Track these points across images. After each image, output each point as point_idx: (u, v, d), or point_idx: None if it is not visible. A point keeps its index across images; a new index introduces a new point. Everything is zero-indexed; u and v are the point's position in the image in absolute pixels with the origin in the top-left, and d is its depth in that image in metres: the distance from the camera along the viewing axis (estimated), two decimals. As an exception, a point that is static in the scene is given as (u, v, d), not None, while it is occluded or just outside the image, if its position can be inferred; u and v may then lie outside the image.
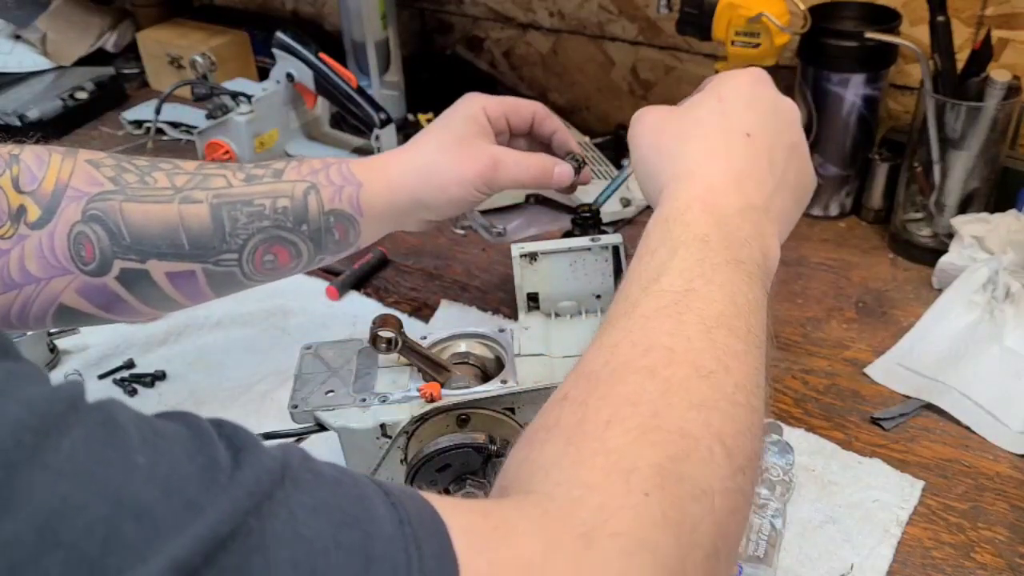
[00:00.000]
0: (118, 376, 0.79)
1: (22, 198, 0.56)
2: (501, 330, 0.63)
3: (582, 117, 1.22)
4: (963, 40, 0.90)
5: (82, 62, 1.37)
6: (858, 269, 0.91)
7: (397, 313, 0.76)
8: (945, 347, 0.76)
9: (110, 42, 1.41)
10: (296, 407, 0.58)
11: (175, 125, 1.24)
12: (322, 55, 1.07)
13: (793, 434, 0.69)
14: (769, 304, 0.47)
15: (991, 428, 0.70)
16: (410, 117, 1.21)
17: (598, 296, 0.67)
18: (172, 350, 0.81)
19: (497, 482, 0.40)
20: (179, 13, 1.43)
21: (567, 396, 0.41)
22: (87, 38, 1.39)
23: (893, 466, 0.67)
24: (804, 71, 0.94)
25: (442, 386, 0.57)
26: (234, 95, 1.09)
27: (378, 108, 1.05)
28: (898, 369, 0.76)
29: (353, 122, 1.09)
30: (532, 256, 0.66)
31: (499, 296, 0.89)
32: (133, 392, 0.77)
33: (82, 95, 1.28)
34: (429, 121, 1.19)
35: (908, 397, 0.74)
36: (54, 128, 1.24)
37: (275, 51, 1.09)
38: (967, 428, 0.71)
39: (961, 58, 0.85)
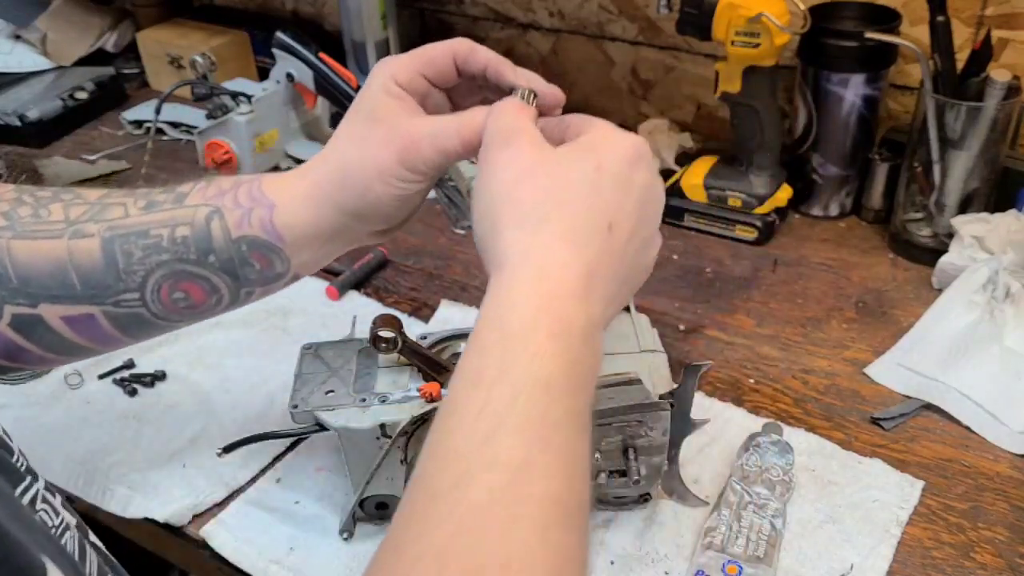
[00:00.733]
0: (118, 376, 0.79)
1: None
2: (501, 330, 0.62)
3: (582, 117, 1.22)
4: (963, 40, 0.90)
5: (82, 62, 1.37)
6: (858, 269, 0.91)
7: (397, 313, 0.76)
8: (945, 347, 0.76)
9: (110, 42, 1.41)
10: (296, 407, 0.58)
11: (175, 125, 1.24)
12: (322, 55, 1.07)
13: (793, 434, 0.69)
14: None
15: (991, 428, 0.70)
16: (410, 117, 1.21)
17: (598, 296, 0.67)
18: (172, 350, 0.81)
19: None
20: (179, 13, 1.42)
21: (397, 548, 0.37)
22: (87, 38, 1.39)
23: (893, 466, 0.67)
24: (804, 71, 0.94)
25: (442, 386, 0.57)
26: (234, 95, 1.09)
27: (378, 108, 1.05)
28: (898, 369, 0.76)
29: (353, 122, 1.09)
30: (532, 256, 0.66)
31: (499, 296, 0.88)
32: (133, 392, 0.77)
33: (82, 95, 1.28)
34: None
35: (908, 397, 0.74)
36: (54, 128, 1.25)
37: (275, 51, 1.09)
38: (967, 428, 0.71)
39: (961, 58, 0.85)
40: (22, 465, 0.45)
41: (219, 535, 0.64)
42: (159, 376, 0.79)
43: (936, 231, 0.89)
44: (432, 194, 1.08)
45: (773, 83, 0.91)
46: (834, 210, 0.99)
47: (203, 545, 0.64)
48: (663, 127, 1.09)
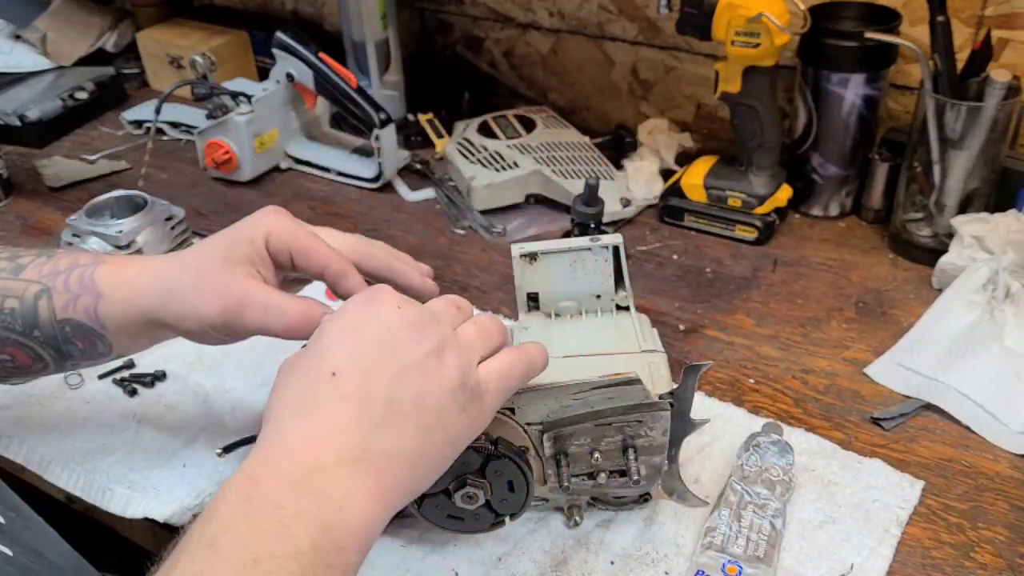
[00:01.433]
0: (118, 376, 0.79)
1: None
2: (501, 330, 0.62)
3: (582, 117, 1.22)
4: (963, 40, 0.90)
5: (82, 62, 1.37)
6: (858, 269, 0.91)
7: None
8: (945, 347, 0.76)
9: (110, 42, 1.41)
10: (296, 407, 0.58)
11: (175, 125, 1.24)
12: (322, 55, 1.07)
13: (793, 434, 0.69)
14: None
15: (991, 428, 0.70)
16: (410, 117, 1.21)
17: (598, 296, 0.67)
18: (172, 350, 0.80)
19: None
20: (179, 13, 1.43)
21: None
22: (87, 38, 1.39)
23: (893, 466, 0.67)
24: (804, 71, 0.94)
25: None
26: (234, 95, 1.09)
27: (378, 108, 1.05)
28: (898, 369, 0.76)
29: (353, 122, 1.09)
30: (532, 256, 0.66)
31: (499, 296, 0.89)
32: (133, 392, 0.77)
33: (82, 95, 1.28)
34: (429, 121, 1.19)
35: (908, 397, 0.74)
36: (54, 128, 1.25)
37: (275, 51, 1.09)
38: (967, 428, 0.71)
39: (961, 58, 0.85)
40: None
41: (219, 535, 0.64)
42: (159, 376, 0.79)
43: (936, 231, 0.89)
44: (432, 194, 1.08)
45: (773, 83, 0.91)
46: (834, 210, 0.99)
47: (203, 545, 0.64)
48: (663, 127, 1.09)
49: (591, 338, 0.64)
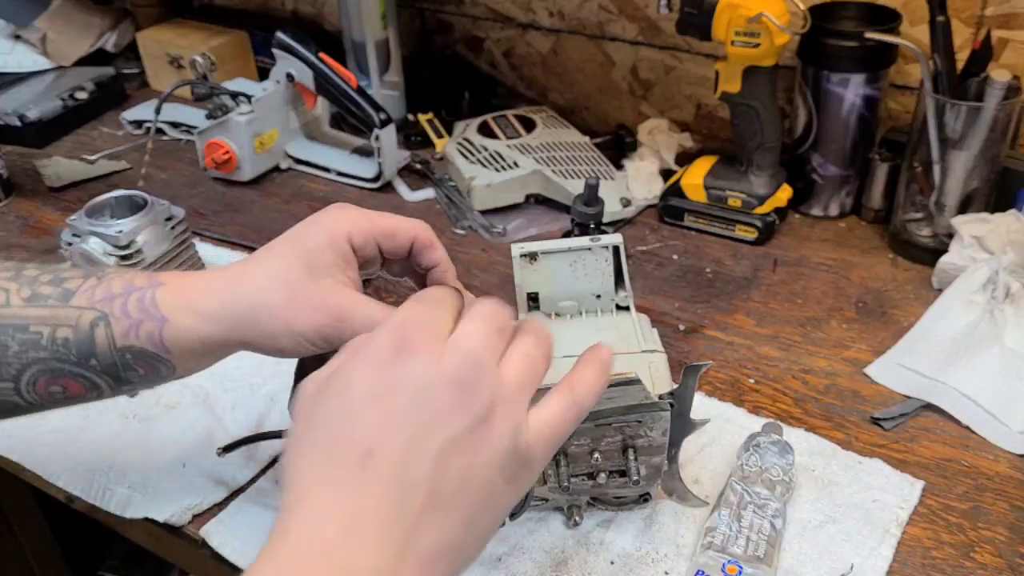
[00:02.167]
0: (118, 376, 0.78)
1: None
2: (501, 330, 0.62)
3: (582, 117, 1.22)
4: (963, 40, 0.90)
5: (82, 62, 1.37)
6: (858, 269, 0.91)
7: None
8: (945, 347, 0.76)
9: (110, 42, 1.41)
10: (296, 407, 0.58)
11: (175, 125, 1.24)
12: (322, 55, 1.07)
13: (793, 434, 0.69)
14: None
15: (991, 428, 0.70)
16: (410, 117, 1.21)
17: (598, 296, 0.67)
18: (172, 350, 0.81)
19: None
20: (179, 13, 1.43)
21: None
22: (87, 38, 1.39)
23: (893, 466, 0.67)
24: (804, 71, 0.94)
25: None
26: (234, 95, 1.09)
27: (378, 108, 1.05)
28: (898, 369, 0.76)
29: (353, 122, 1.09)
30: (532, 256, 0.66)
31: (499, 296, 0.88)
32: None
33: (82, 95, 1.28)
34: (429, 121, 1.19)
35: (908, 397, 0.74)
36: (54, 128, 1.25)
37: (275, 51, 1.09)
38: (967, 428, 0.71)
39: (961, 58, 0.85)
40: None
41: (219, 535, 0.64)
42: (159, 376, 0.78)
43: (936, 231, 0.89)
44: (432, 194, 1.08)
45: (773, 83, 0.91)
46: (834, 210, 0.99)
47: (203, 545, 0.64)
48: (663, 127, 1.09)
49: (591, 338, 0.64)
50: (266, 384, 0.77)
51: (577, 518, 0.63)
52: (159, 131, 1.22)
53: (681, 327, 0.83)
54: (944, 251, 0.85)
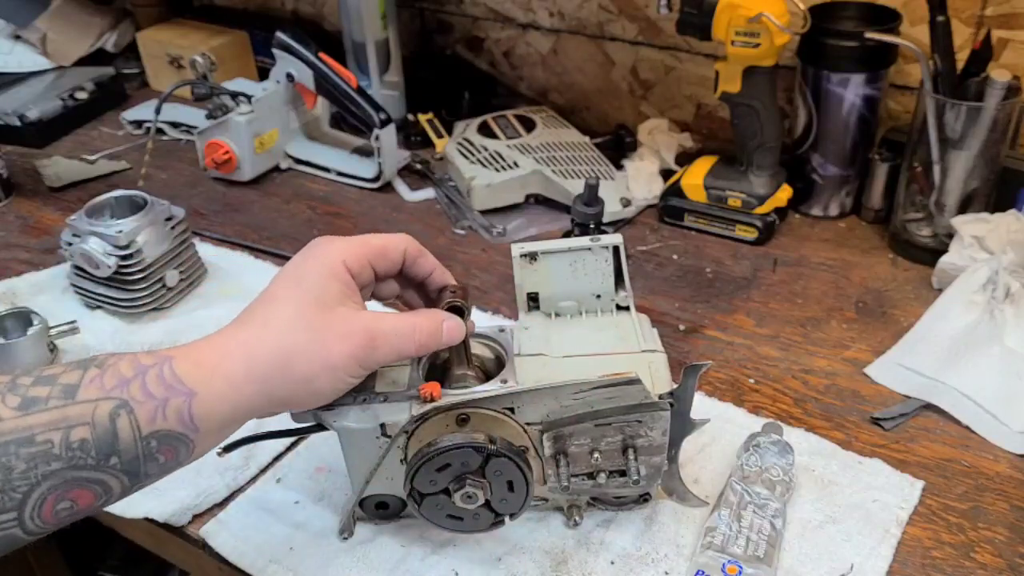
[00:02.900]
0: (118, 376, 0.78)
1: None
2: (501, 330, 0.62)
3: (582, 117, 1.22)
4: (963, 40, 0.90)
5: (82, 62, 1.37)
6: (858, 269, 0.91)
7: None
8: (945, 347, 0.76)
9: (110, 42, 1.41)
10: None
11: (175, 125, 1.24)
12: (322, 55, 1.07)
13: (793, 434, 0.69)
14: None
15: (991, 428, 0.70)
16: (410, 117, 1.21)
17: (598, 296, 0.67)
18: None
19: None
20: (179, 13, 1.43)
21: None
22: (87, 38, 1.39)
23: (893, 466, 0.67)
24: (804, 71, 0.94)
25: (443, 385, 0.57)
26: (234, 95, 1.09)
27: (378, 108, 1.05)
28: (898, 369, 0.76)
29: (353, 122, 1.09)
30: (532, 256, 0.66)
31: (499, 296, 0.89)
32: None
33: (82, 95, 1.28)
34: (429, 121, 1.19)
35: (908, 397, 0.74)
36: (54, 128, 1.25)
37: (275, 51, 1.09)
38: (967, 428, 0.71)
39: (961, 58, 0.85)
40: None
41: (219, 535, 0.64)
42: (159, 376, 0.78)
43: (936, 231, 0.89)
44: (432, 194, 1.08)
45: (773, 83, 0.91)
46: (834, 210, 0.99)
47: (203, 545, 0.64)
48: (663, 127, 1.09)
49: (591, 338, 0.64)
50: (266, 384, 0.77)
51: (577, 518, 0.63)
52: (159, 131, 1.22)
53: (681, 327, 0.83)
54: (944, 251, 0.85)
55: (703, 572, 0.57)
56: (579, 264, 0.66)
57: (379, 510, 0.63)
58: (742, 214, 0.95)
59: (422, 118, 1.20)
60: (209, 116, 1.09)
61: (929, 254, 0.88)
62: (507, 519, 0.58)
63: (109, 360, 0.47)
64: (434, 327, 0.54)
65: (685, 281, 0.90)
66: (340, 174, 1.12)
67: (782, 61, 0.91)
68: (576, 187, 0.95)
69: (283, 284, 0.53)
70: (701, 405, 0.72)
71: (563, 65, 1.21)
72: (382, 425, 0.56)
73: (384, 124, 1.05)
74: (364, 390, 0.58)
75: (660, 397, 0.56)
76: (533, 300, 0.67)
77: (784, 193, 0.96)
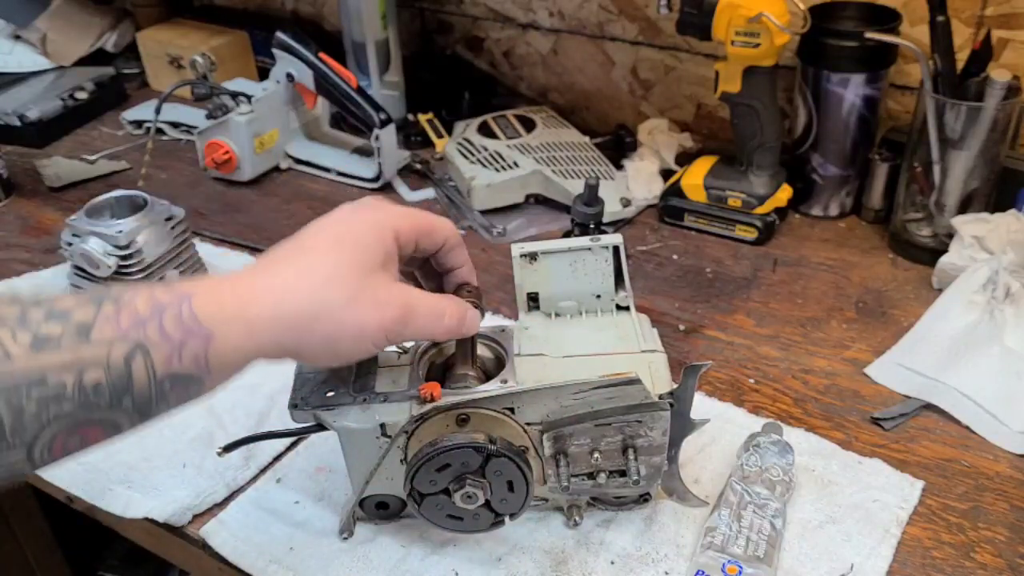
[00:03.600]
0: (118, 376, 0.78)
1: None
2: (501, 330, 0.62)
3: (582, 117, 1.22)
4: (963, 40, 0.90)
5: (82, 62, 1.37)
6: (858, 269, 0.91)
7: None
8: (945, 347, 0.76)
9: (110, 42, 1.41)
10: (296, 407, 0.58)
11: (175, 125, 1.24)
12: (322, 55, 1.07)
13: (793, 434, 0.69)
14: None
15: (991, 428, 0.70)
16: (410, 117, 1.21)
17: (598, 296, 0.67)
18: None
19: None
20: (179, 13, 1.43)
21: None
22: (87, 38, 1.39)
23: (893, 466, 0.67)
24: (804, 71, 0.94)
25: (443, 385, 0.57)
26: (234, 95, 1.09)
27: (378, 108, 1.05)
28: (898, 369, 0.76)
29: (353, 122, 1.09)
30: (532, 256, 0.66)
31: (499, 296, 0.89)
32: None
33: (82, 95, 1.28)
34: (429, 121, 1.19)
35: (908, 397, 0.74)
36: (54, 128, 1.25)
37: (275, 51, 1.09)
38: (967, 428, 0.71)
39: (961, 58, 0.85)
40: None
41: (219, 535, 0.64)
42: (159, 376, 0.78)
43: (936, 231, 0.89)
44: (432, 194, 1.08)
45: (773, 83, 0.91)
46: (834, 210, 0.99)
47: (203, 545, 0.64)
48: (663, 127, 1.09)
49: (591, 338, 0.64)
50: (266, 384, 0.77)
51: (577, 518, 0.63)
52: (159, 131, 1.22)
53: (681, 327, 0.83)
54: (944, 251, 0.85)
55: (703, 572, 0.57)
56: (579, 264, 0.66)
57: (379, 510, 0.63)
58: (742, 214, 0.95)
59: (422, 118, 1.20)
60: (209, 116, 1.09)
61: (929, 254, 0.88)
62: (507, 519, 0.58)
63: (125, 295, 0.45)
64: (461, 315, 0.54)
65: (685, 281, 0.90)
66: (340, 174, 1.12)
67: (782, 61, 0.91)
68: (576, 187, 0.95)
69: (323, 237, 0.51)
70: (701, 405, 0.72)
71: (563, 65, 1.21)
72: (382, 425, 0.56)
73: (384, 124, 1.05)
74: (364, 390, 0.58)
75: (660, 397, 0.56)
76: (533, 300, 0.67)
77: (784, 193, 0.96)
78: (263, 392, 0.76)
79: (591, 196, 0.87)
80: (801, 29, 0.87)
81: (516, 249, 0.66)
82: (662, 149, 1.07)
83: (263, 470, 0.69)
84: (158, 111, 1.09)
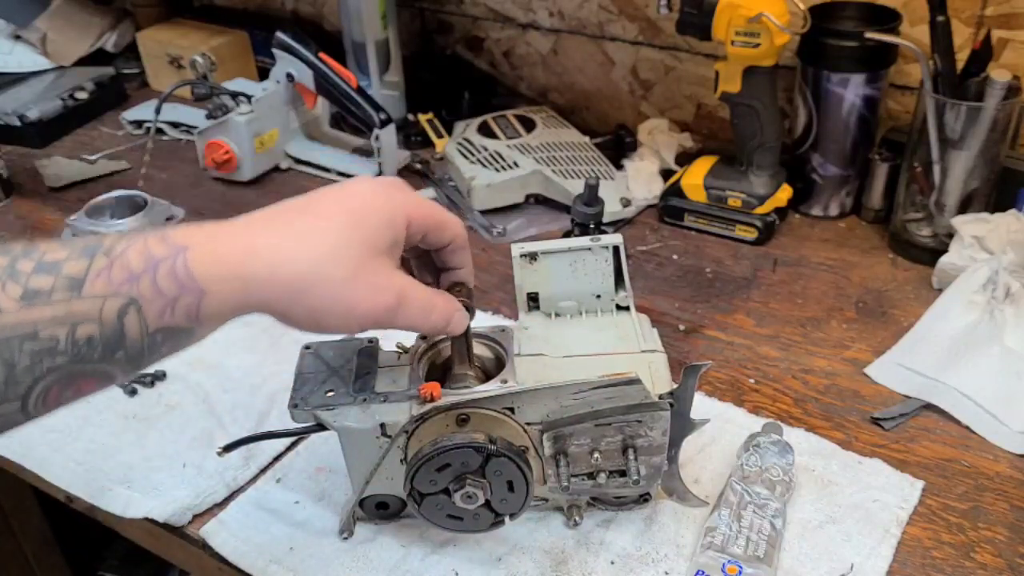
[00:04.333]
0: (118, 376, 0.78)
1: None
2: (501, 330, 0.62)
3: (582, 117, 1.22)
4: (963, 40, 0.90)
5: (82, 62, 1.37)
6: (858, 269, 0.91)
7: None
8: (945, 347, 0.76)
9: (110, 42, 1.41)
10: (296, 407, 0.58)
11: (175, 125, 1.24)
12: (322, 55, 1.07)
13: (793, 434, 0.69)
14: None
15: (991, 428, 0.70)
16: (410, 117, 1.21)
17: (598, 296, 0.67)
18: (172, 350, 0.81)
19: None
20: (179, 13, 1.43)
21: None
22: (87, 38, 1.39)
23: (893, 466, 0.67)
24: (804, 71, 0.94)
25: (443, 385, 0.57)
26: (234, 95, 1.09)
27: (378, 108, 1.05)
28: (898, 369, 0.76)
29: (353, 122, 1.09)
30: (532, 256, 0.66)
31: (499, 296, 0.89)
32: (133, 392, 0.77)
33: (82, 95, 1.28)
34: (429, 121, 1.19)
35: (908, 397, 0.74)
36: (54, 128, 1.25)
37: (275, 51, 1.09)
38: (967, 428, 0.71)
39: (961, 58, 0.85)
40: None
41: (219, 535, 0.64)
42: (159, 376, 0.79)
43: (936, 231, 0.89)
44: (432, 194, 1.08)
45: (773, 83, 0.91)
46: (834, 210, 0.99)
47: (203, 545, 0.64)
48: (663, 127, 1.09)
49: (591, 338, 0.64)
50: (266, 384, 0.77)
51: (577, 518, 0.63)
52: (159, 131, 1.22)
53: (681, 327, 0.83)
54: (944, 251, 0.85)
55: (703, 572, 0.57)
56: (579, 264, 0.66)
57: (379, 510, 0.63)
58: (742, 214, 0.95)
59: (422, 118, 1.20)
60: (209, 116, 1.09)
61: (929, 254, 0.88)
62: (507, 519, 0.58)
63: (117, 247, 0.45)
64: (450, 313, 0.54)
65: (685, 281, 0.90)
66: (340, 174, 1.12)
67: (782, 61, 0.91)
68: (576, 187, 0.95)
69: (333, 207, 0.49)
70: (701, 405, 0.72)
71: (563, 65, 1.21)
72: (382, 425, 0.56)
73: (384, 124, 1.05)
74: (364, 390, 0.58)
75: (660, 397, 0.56)
76: (533, 300, 0.67)
77: (784, 193, 0.96)
78: (263, 392, 0.76)
79: (591, 196, 0.87)
80: (801, 29, 0.87)
81: (516, 249, 0.66)
82: (662, 149, 1.07)
83: (263, 470, 0.69)
84: (158, 111, 1.09)
